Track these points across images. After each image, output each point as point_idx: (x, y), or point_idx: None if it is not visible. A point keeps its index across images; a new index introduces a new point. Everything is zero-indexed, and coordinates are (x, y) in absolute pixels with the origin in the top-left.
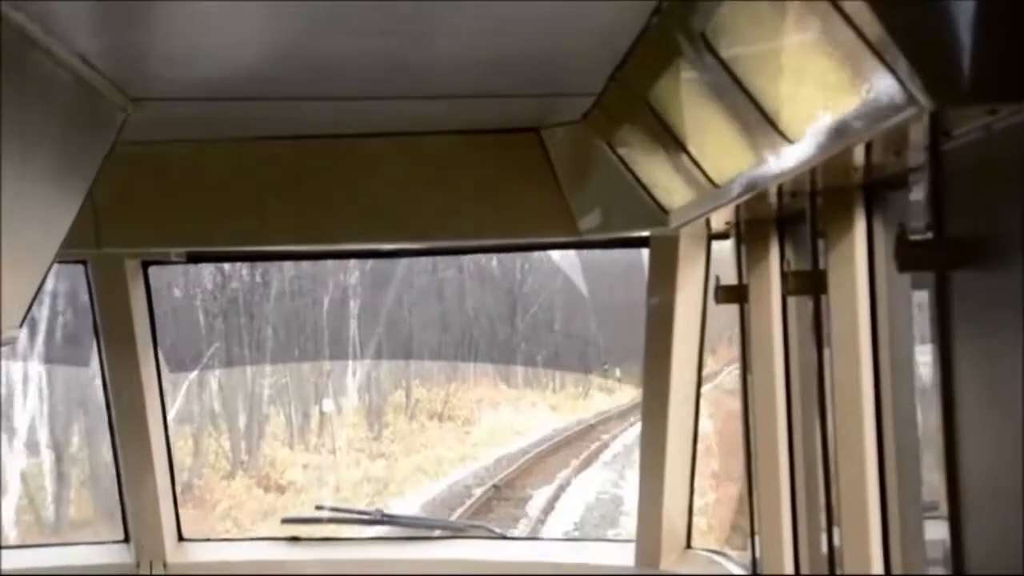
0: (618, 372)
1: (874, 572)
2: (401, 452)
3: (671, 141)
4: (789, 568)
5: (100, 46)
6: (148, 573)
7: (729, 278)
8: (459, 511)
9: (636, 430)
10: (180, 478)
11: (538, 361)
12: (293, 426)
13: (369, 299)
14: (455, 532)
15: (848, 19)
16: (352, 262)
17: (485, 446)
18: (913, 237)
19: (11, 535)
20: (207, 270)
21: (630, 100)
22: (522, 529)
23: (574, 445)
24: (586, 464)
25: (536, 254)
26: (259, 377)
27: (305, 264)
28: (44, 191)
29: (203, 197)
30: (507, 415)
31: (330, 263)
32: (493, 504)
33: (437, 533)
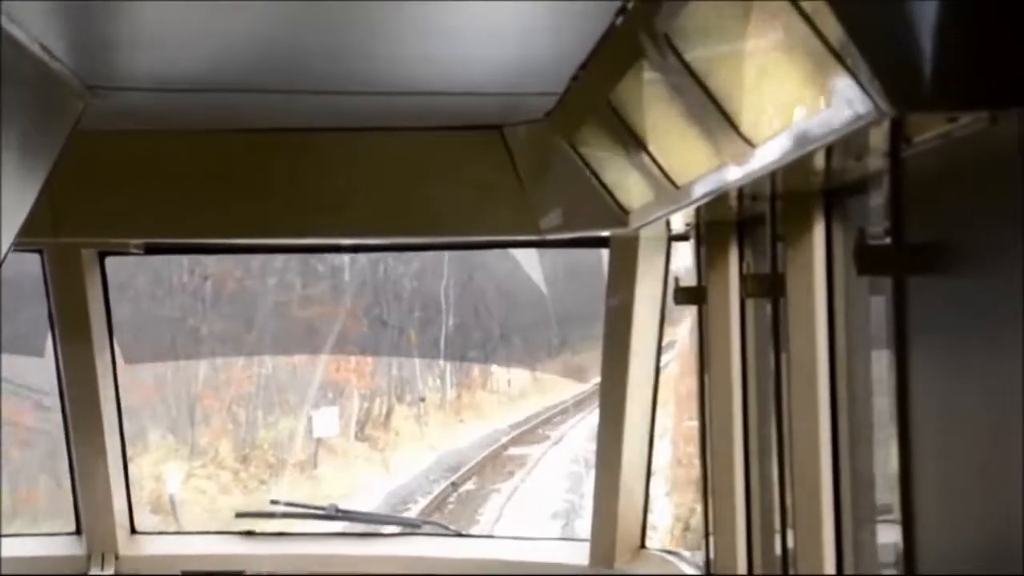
0: None
1: (827, 574)
2: None
3: (633, 142)
4: (742, 569)
5: (60, 35)
6: (99, 565)
7: (688, 279)
8: None
9: None
10: None
11: None
12: None
13: None
14: (410, 529)
15: (811, 24)
16: None
17: None
18: (872, 242)
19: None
20: None
21: (593, 100)
22: None
23: None
24: None
25: None
26: None
27: None
28: (1, 178)
29: (162, 189)
30: None
31: None
32: None
33: (392, 530)
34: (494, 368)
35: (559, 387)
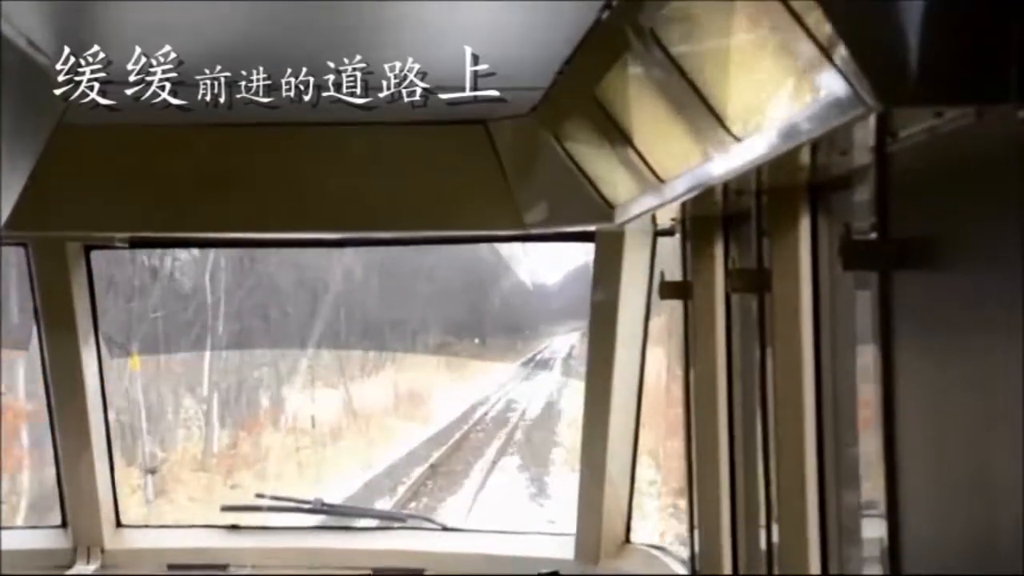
0: None
1: (812, 570)
2: None
3: (619, 136)
4: (727, 565)
5: (46, 26)
6: (85, 558)
7: (674, 274)
8: None
9: None
10: None
11: None
12: None
13: None
14: (395, 523)
15: (798, 19)
16: None
17: None
18: (858, 237)
19: None
20: None
21: (578, 95)
22: None
23: None
24: None
25: None
26: None
27: None
28: None
29: (148, 183)
30: None
31: None
32: None
33: (377, 523)
34: (287, 396)
35: (390, 426)
